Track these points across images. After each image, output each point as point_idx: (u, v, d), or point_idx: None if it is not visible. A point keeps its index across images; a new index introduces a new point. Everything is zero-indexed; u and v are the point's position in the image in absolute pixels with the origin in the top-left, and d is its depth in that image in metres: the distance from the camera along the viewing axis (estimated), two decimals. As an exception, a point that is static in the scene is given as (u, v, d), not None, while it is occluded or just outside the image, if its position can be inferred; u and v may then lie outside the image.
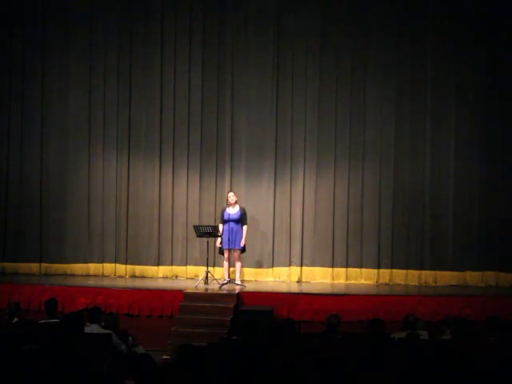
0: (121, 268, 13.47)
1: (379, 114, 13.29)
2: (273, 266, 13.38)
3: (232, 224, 12.00)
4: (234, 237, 11.99)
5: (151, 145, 13.58)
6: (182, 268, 13.45)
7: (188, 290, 11.54)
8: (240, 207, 12.19)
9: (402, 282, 13.11)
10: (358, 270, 13.20)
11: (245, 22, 13.46)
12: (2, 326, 8.49)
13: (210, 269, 12.44)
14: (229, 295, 11.43)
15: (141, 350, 8.20)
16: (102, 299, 11.23)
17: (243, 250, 12.23)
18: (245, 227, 12.10)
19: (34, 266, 13.49)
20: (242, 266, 12.57)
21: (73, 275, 13.40)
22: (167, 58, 13.53)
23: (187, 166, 13.52)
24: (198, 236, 12.32)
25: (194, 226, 12.38)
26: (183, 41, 13.51)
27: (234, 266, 12.33)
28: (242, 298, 11.42)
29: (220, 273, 12.67)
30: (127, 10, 13.60)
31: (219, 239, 12.14)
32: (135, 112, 13.58)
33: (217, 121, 13.49)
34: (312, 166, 13.36)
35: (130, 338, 8.44)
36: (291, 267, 13.32)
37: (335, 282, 13.16)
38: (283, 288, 12.62)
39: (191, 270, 13.40)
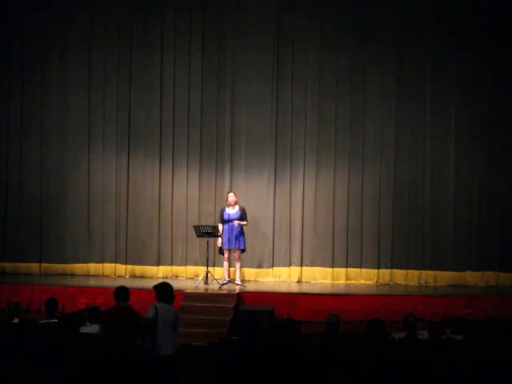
0: (121, 268, 13.47)
1: (379, 114, 13.29)
2: (273, 266, 13.37)
3: (232, 224, 12.00)
4: (233, 237, 11.98)
5: (151, 144, 13.57)
6: (182, 268, 13.44)
7: (188, 290, 11.54)
8: (240, 207, 12.20)
9: (402, 282, 13.11)
10: (357, 270, 13.20)
11: (245, 22, 13.46)
12: (2, 326, 8.48)
13: (210, 269, 12.45)
14: (229, 295, 11.43)
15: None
16: (102, 299, 11.20)
17: (243, 250, 12.24)
18: (244, 221, 12.10)
19: (34, 266, 13.49)
20: (242, 266, 12.58)
21: (73, 275, 13.41)
22: (167, 58, 13.52)
23: (187, 165, 13.52)
24: (197, 236, 12.33)
25: (193, 226, 12.38)
26: (183, 41, 13.50)
27: (234, 266, 12.33)
28: (242, 298, 11.43)
29: (220, 273, 12.67)
30: (127, 10, 13.59)
31: (220, 239, 12.15)
32: (135, 112, 13.58)
33: (217, 120, 13.49)
34: (312, 166, 13.36)
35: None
36: (291, 267, 13.32)
37: (335, 282, 13.16)
38: (283, 288, 12.62)
39: (191, 270, 13.40)
